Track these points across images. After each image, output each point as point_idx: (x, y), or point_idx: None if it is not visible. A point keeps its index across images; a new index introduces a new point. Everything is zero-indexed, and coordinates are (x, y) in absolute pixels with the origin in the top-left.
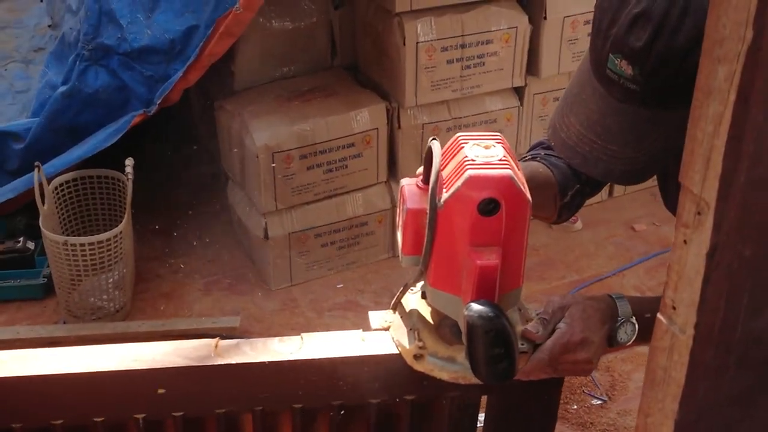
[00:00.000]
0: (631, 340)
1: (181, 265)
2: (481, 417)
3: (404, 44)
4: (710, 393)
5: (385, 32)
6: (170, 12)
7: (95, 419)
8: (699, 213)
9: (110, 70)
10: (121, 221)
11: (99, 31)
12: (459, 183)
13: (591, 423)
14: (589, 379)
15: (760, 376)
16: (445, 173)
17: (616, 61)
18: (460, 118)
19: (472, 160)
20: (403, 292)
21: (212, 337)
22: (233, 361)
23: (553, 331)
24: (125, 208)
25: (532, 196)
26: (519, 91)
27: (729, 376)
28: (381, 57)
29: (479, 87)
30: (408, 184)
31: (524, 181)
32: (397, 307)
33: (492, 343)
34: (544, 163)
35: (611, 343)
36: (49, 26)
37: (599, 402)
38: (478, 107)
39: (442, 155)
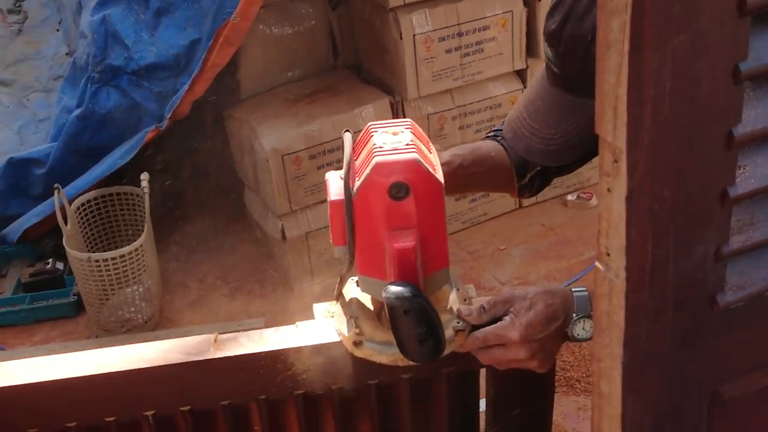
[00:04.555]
0: (590, 336)
1: (205, 272)
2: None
3: (401, 38)
4: (653, 335)
5: (382, 28)
6: (173, 28)
7: (107, 419)
8: (616, 161)
9: (121, 89)
10: (142, 235)
11: (106, 53)
12: (368, 170)
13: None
14: None
15: (697, 318)
16: (358, 162)
17: (545, 44)
18: (464, 105)
19: (380, 147)
20: (341, 283)
21: None
22: (231, 354)
23: (493, 321)
24: (145, 221)
25: (481, 177)
26: (521, 74)
27: (668, 319)
28: (381, 53)
29: (480, 73)
30: (332, 176)
31: (435, 164)
32: (339, 297)
33: (413, 323)
34: (502, 144)
35: (569, 338)
36: (67, 54)
37: None
38: (482, 93)
39: (356, 145)
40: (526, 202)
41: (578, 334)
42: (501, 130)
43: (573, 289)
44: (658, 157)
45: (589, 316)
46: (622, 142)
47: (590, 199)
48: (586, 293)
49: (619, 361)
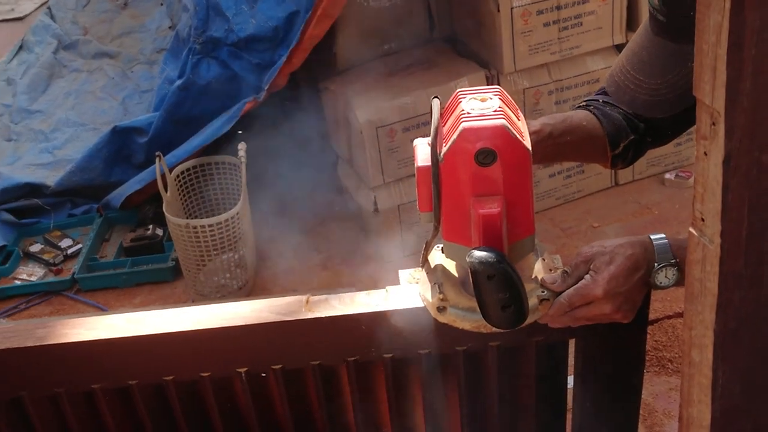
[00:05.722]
0: (673, 284)
1: (298, 242)
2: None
3: (498, 10)
4: (747, 303)
5: (479, 0)
6: (272, 0)
7: (202, 374)
8: (713, 124)
9: (220, 61)
10: (238, 203)
11: (208, 25)
12: (455, 136)
13: None
14: None
15: None
16: (445, 129)
17: None
18: (561, 80)
19: (468, 113)
20: (427, 249)
21: None
22: (322, 315)
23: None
24: (241, 190)
25: (572, 147)
26: (621, 49)
27: (763, 286)
28: (477, 26)
29: (579, 47)
30: (420, 143)
31: (523, 131)
32: (425, 263)
33: (496, 288)
34: (594, 113)
35: (652, 286)
36: (170, 28)
37: None
38: (579, 68)
39: (444, 112)
40: (622, 179)
41: (661, 283)
42: (594, 100)
43: (652, 237)
44: (758, 120)
45: (672, 264)
46: (720, 104)
47: (689, 178)
48: (666, 240)
49: (711, 328)
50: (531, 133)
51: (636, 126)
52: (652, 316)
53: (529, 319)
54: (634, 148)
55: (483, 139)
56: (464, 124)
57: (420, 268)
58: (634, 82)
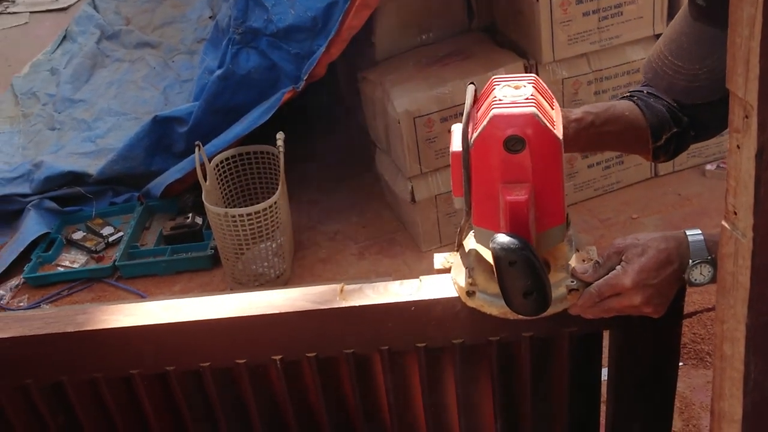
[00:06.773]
0: (709, 281)
1: (335, 232)
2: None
3: (538, 0)
4: None
5: None
6: None
7: (238, 361)
8: (746, 116)
9: (260, 51)
10: (276, 192)
11: (247, 15)
12: (485, 122)
13: None
14: None
15: None
16: (478, 115)
17: None
18: (601, 70)
19: (500, 100)
20: (461, 234)
21: None
22: (356, 303)
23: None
24: (280, 180)
25: (613, 136)
26: None
27: None
28: (516, 15)
29: (619, 37)
30: (456, 129)
31: (555, 120)
32: (459, 248)
33: (518, 275)
34: (638, 104)
35: (688, 283)
36: (210, 18)
37: None
38: (619, 58)
39: (479, 98)
40: (662, 171)
41: (696, 280)
42: (638, 91)
43: (688, 233)
44: None
45: (708, 261)
46: (753, 97)
47: None
48: (702, 238)
49: (743, 322)
50: (572, 121)
51: (679, 119)
52: (690, 308)
53: (557, 308)
54: (676, 142)
55: (512, 126)
56: (494, 111)
57: (455, 252)
58: (672, 67)
